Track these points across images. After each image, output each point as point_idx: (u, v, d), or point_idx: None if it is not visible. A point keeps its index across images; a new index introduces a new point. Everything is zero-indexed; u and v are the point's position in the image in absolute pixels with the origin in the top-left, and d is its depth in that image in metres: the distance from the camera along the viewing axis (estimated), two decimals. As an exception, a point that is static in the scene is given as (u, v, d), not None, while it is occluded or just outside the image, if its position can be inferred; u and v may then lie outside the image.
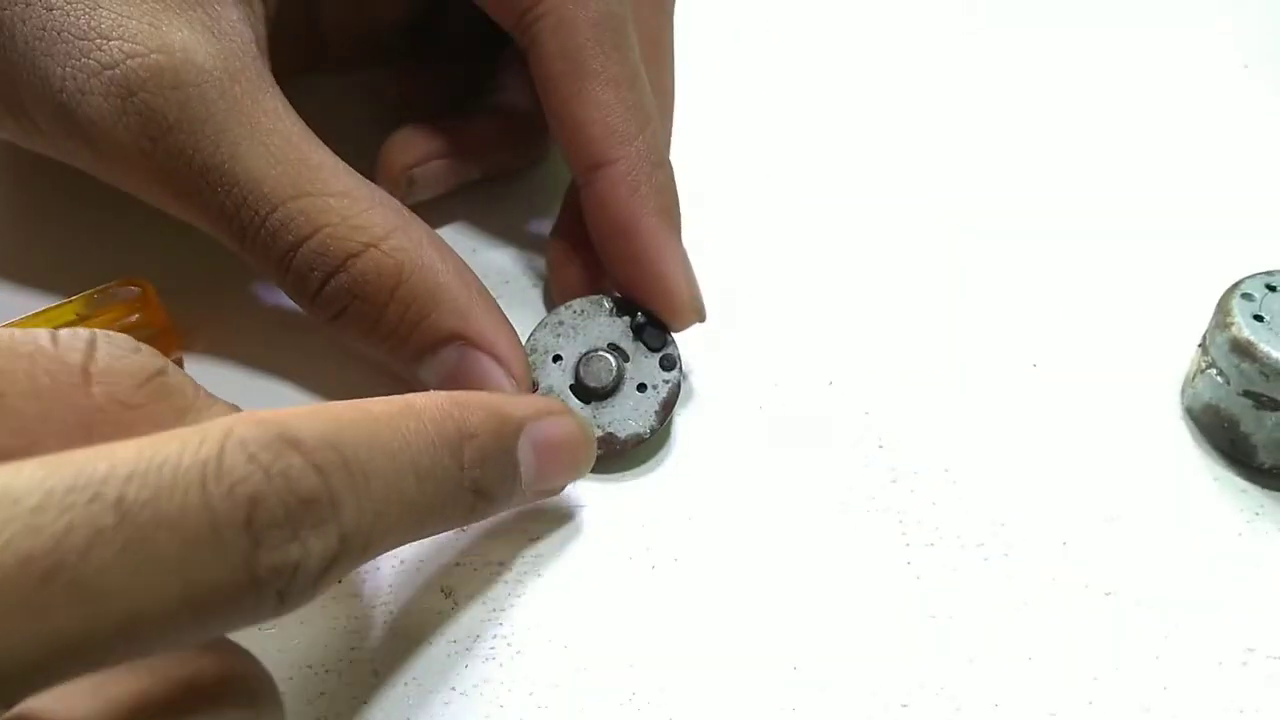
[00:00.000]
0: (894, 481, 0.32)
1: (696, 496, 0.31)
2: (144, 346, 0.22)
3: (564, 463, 0.28)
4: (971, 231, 0.37)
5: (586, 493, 0.31)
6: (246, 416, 0.19)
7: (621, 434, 0.31)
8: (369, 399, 0.22)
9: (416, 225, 0.29)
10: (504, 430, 0.25)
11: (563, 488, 0.29)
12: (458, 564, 0.30)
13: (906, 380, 0.34)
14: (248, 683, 0.21)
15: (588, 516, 0.31)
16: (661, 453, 0.32)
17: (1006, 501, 0.31)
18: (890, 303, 0.36)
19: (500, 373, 0.29)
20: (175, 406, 0.22)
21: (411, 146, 0.35)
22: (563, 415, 0.28)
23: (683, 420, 0.33)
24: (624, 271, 0.31)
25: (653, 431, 0.31)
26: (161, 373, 0.22)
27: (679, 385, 0.31)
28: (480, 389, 0.28)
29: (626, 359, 0.31)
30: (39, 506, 0.16)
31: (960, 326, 0.35)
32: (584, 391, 0.31)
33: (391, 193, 0.30)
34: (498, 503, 0.25)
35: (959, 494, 0.31)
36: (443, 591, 0.29)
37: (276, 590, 0.19)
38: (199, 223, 0.29)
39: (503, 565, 0.29)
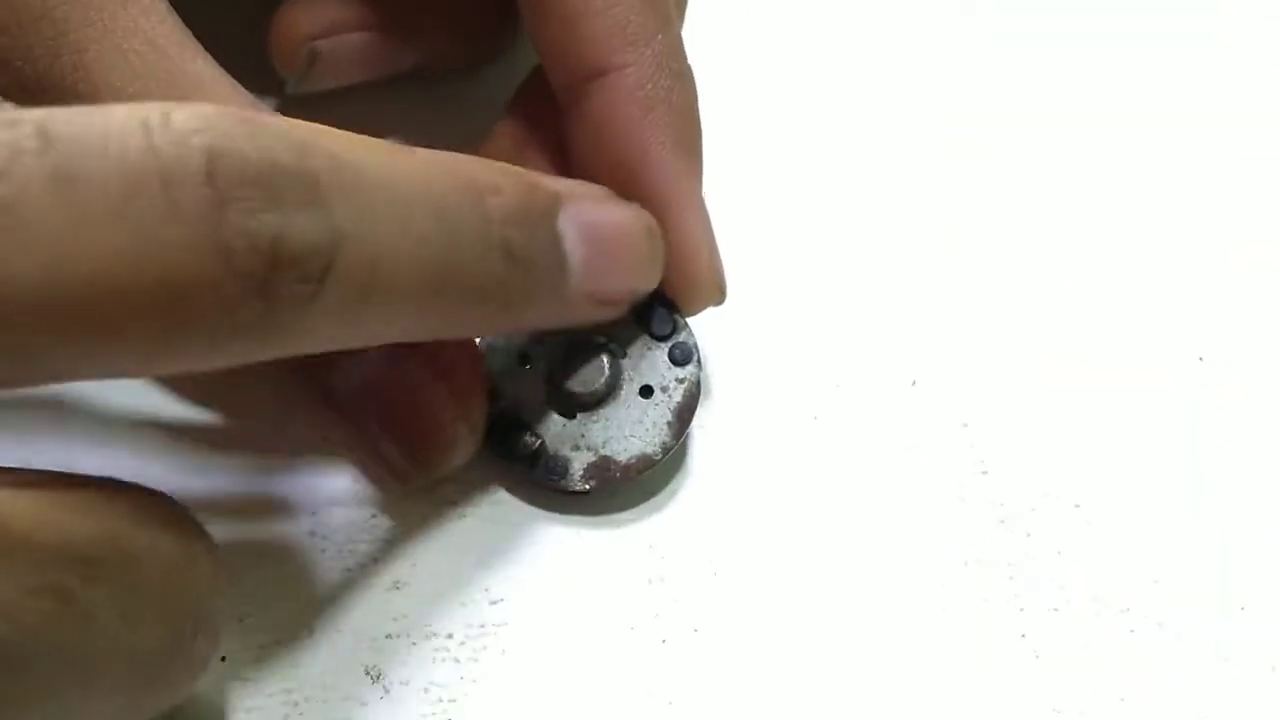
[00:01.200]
0: (1002, 522, 0.29)
1: (724, 544, 0.29)
2: None
3: (622, 259, 0.26)
4: (1113, 200, 0.36)
5: (569, 537, 0.28)
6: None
7: (621, 457, 0.28)
8: None
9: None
10: (535, 195, 0.24)
11: (625, 301, 0.27)
12: (388, 635, 0.27)
13: (1020, 381, 0.32)
14: (175, 512, 0.20)
15: (572, 568, 0.28)
16: (674, 482, 0.29)
17: (1161, 551, 0.29)
18: (996, 272, 0.34)
19: (449, 396, 0.27)
20: None
21: (318, 8, 0.32)
22: (612, 199, 0.27)
23: (704, 437, 0.30)
24: None
25: (665, 451, 0.28)
26: None
27: (698, 385, 0.28)
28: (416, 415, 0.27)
29: (623, 354, 0.28)
30: None
31: (1095, 306, 0.33)
32: (566, 401, 0.28)
33: (283, 72, 0.28)
34: (540, 284, 0.24)
35: (1095, 540, 0.29)
36: (368, 674, 0.26)
37: (259, 285, 0.18)
38: None
39: (450, 638, 0.27)
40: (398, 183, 0.21)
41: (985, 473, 0.30)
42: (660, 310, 0.28)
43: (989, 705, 0.26)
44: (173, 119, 0.18)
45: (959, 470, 0.30)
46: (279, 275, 0.18)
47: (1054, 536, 0.29)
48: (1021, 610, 0.28)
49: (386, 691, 0.26)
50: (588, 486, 0.28)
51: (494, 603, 0.27)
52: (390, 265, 0.20)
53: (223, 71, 0.26)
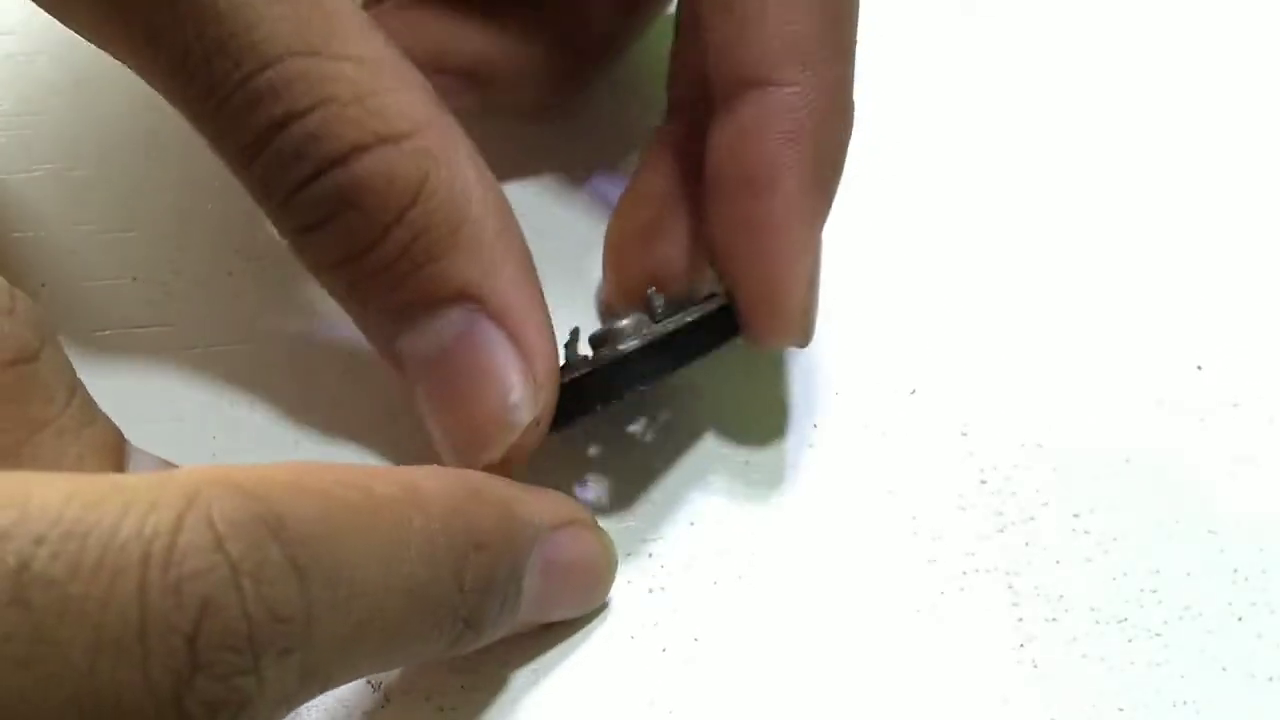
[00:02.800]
0: (1001, 531, 0.29)
1: (724, 551, 0.29)
2: (19, 304, 0.21)
3: (573, 591, 0.26)
4: (1114, 206, 0.35)
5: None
6: (218, 476, 0.18)
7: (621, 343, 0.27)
8: (365, 468, 0.22)
9: (455, 130, 0.26)
10: (516, 542, 0.24)
11: (555, 619, 0.27)
12: (390, 645, 0.26)
13: (1018, 387, 0.31)
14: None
15: None
16: (675, 491, 0.29)
17: (1161, 560, 0.29)
18: (996, 279, 0.34)
19: (515, 365, 0.26)
20: (30, 416, 0.21)
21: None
22: (586, 528, 0.26)
23: (704, 445, 0.30)
24: (731, 241, 0.27)
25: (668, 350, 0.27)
26: (30, 358, 0.21)
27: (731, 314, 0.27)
28: (481, 380, 0.26)
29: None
30: None
31: (1094, 315, 0.33)
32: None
33: None
34: (483, 639, 0.24)
35: (1094, 549, 0.29)
36: (369, 683, 0.26)
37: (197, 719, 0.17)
38: (148, 74, 0.26)
39: None
40: (386, 571, 0.20)
41: (984, 482, 0.30)
42: (722, 315, 0.27)
43: (987, 715, 0.26)
44: (176, 553, 0.17)
45: (958, 479, 0.30)
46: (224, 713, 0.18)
47: (1052, 546, 0.29)
48: (1020, 620, 0.27)
49: (387, 700, 0.26)
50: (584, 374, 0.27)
51: (494, 611, 0.27)
52: (347, 663, 0.20)
53: (360, 10, 0.26)
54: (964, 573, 0.28)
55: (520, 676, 0.27)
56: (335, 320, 0.29)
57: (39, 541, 0.16)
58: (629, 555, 0.28)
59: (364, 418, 0.29)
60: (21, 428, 0.21)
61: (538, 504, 0.25)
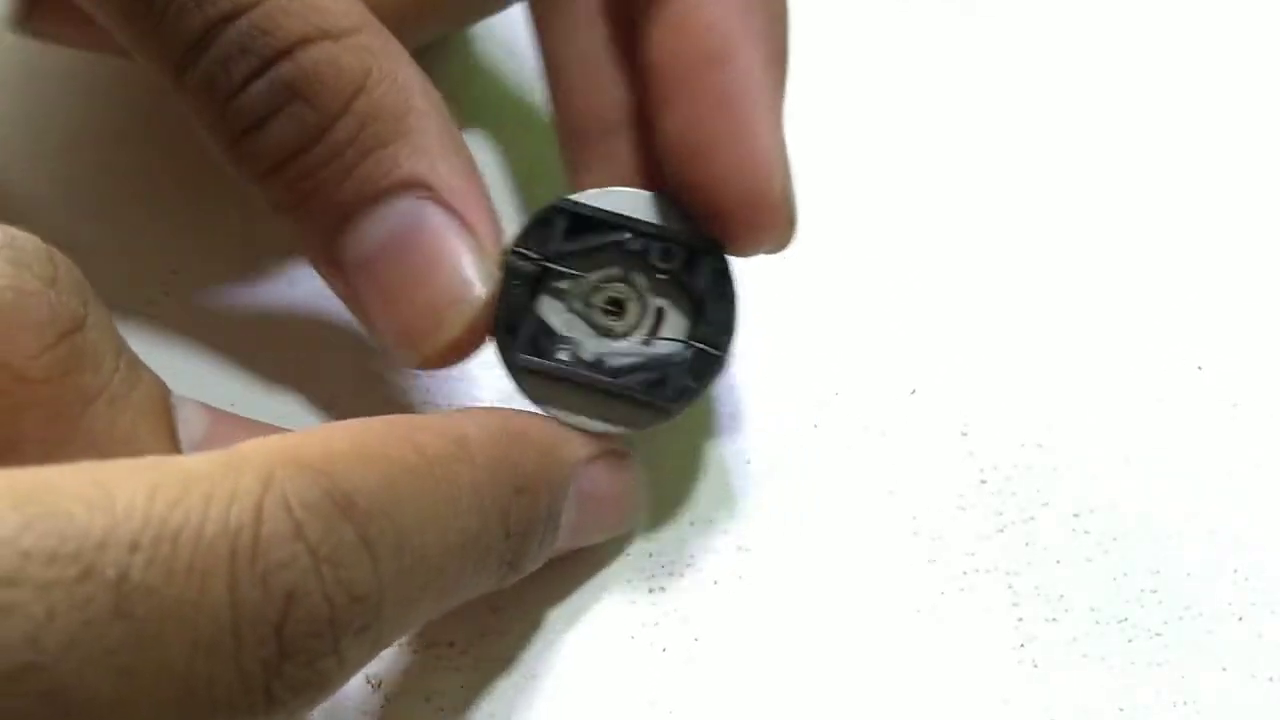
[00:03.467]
0: (1001, 531, 0.29)
1: (723, 551, 0.29)
2: (61, 270, 0.21)
3: (605, 521, 0.27)
4: (1114, 205, 0.35)
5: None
6: (287, 454, 0.19)
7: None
8: (413, 419, 0.23)
9: (390, 36, 0.27)
10: (555, 481, 0.25)
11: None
12: (389, 644, 0.26)
13: (1018, 387, 0.31)
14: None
15: (570, 576, 0.28)
16: (674, 490, 0.29)
17: (1162, 559, 0.28)
18: (996, 278, 0.33)
19: (466, 244, 0.26)
20: (82, 388, 0.21)
21: None
22: (618, 458, 0.27)
23: (704, 445, 0.30)
24: (694, 131, 0.26)
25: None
26: (77, 328, 0.21)
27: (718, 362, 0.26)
28: (434, 260, 0.26)
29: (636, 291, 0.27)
30: (10, 578, 0.15)
31: (1094, 315, 0.33)
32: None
33: None
34: (522, 574, 0.25)
35: (1094, 549, 0.29)
36: (369, 682, 0.26)
37: (283, 702, 0.18)
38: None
39: (451, 646, 0.27)
40: (443, 532, 0.21)
41: (984, 481, 0.30)
42: (705, 259, 0.26)
43: (987, 714, 0.26)
44: (260, 545, 0.18)
45: (958, 479, 0.30)
46: (301, 699, 0.18)
47: (1052, 546, 0.29)
48: (1020, 621, 0.27)
49: (388, 700, 0.26)
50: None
51: (494, 610, 0.27)
52: (406, 626, 0.21)
53: None
54: (964, 573, 0.28)
55: (519, 676, 0.27)
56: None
57: (134, 549, 0.16)
58: (628, 555, 0.28)
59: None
60: (76, 402, 0.21)
61: (573, 438, 0.26)
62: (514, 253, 0.26)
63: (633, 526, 0.28)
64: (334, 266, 0.27)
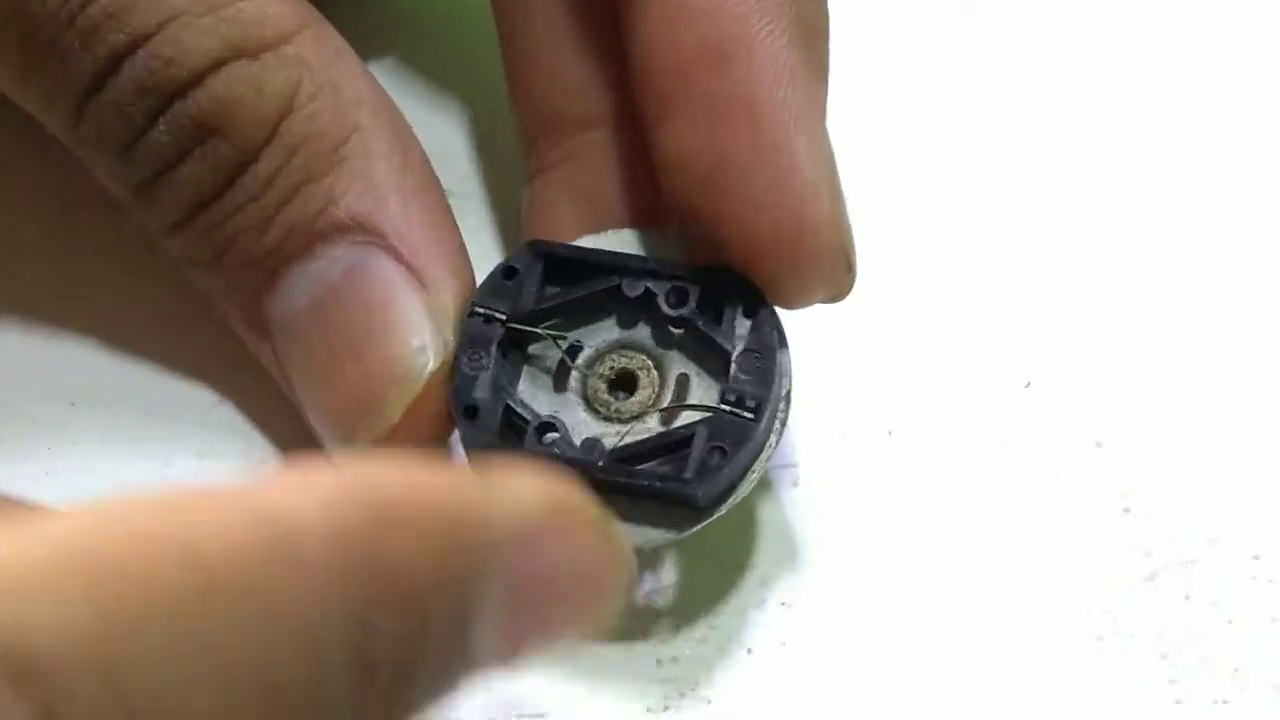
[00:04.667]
0: (1151, 579, 0.26)
1: (762, 607, 0.26)
2: None
3: (565, 616, 0.21)
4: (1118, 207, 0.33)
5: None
6: None
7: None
8: (200, 500, 0.17)
9: (333, 36, 0.25)
10: (463, 572, 0.19)
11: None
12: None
13: (1173, 386, 0.29)
14: None
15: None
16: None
17: None
18: (1133, 247, 0.31)
19: (417, 305, 0.24)
20: None
21: None
22: (574, 522, 0.21)
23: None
24: (696, 147, 0.24)
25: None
26: None
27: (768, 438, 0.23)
28: (377, 324, 0.24)
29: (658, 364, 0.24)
30: None
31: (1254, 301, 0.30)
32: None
33: None
34: (421, 713, 0.19)
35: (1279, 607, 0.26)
36: None
37: None
38: None
39: None
40: (226, 688, 0.16)
41: (1127, 510, 0.27)
42: (734, 307, 0.23)
43: None
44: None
45: (1092, 506, 0.27)
46: None
47: (1223, 600, 0.26)
48: (1178, 703, 0.25)
49: None
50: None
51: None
52: None
53: None
54: (1099, 637, 0.25)
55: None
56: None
57: None
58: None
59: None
60: None
61: (494, 497, 0.20)
62: (473, 313, 0.24)
63: (605, 623, 0.22)
64: (258, 330, 0.25)
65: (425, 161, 0.26)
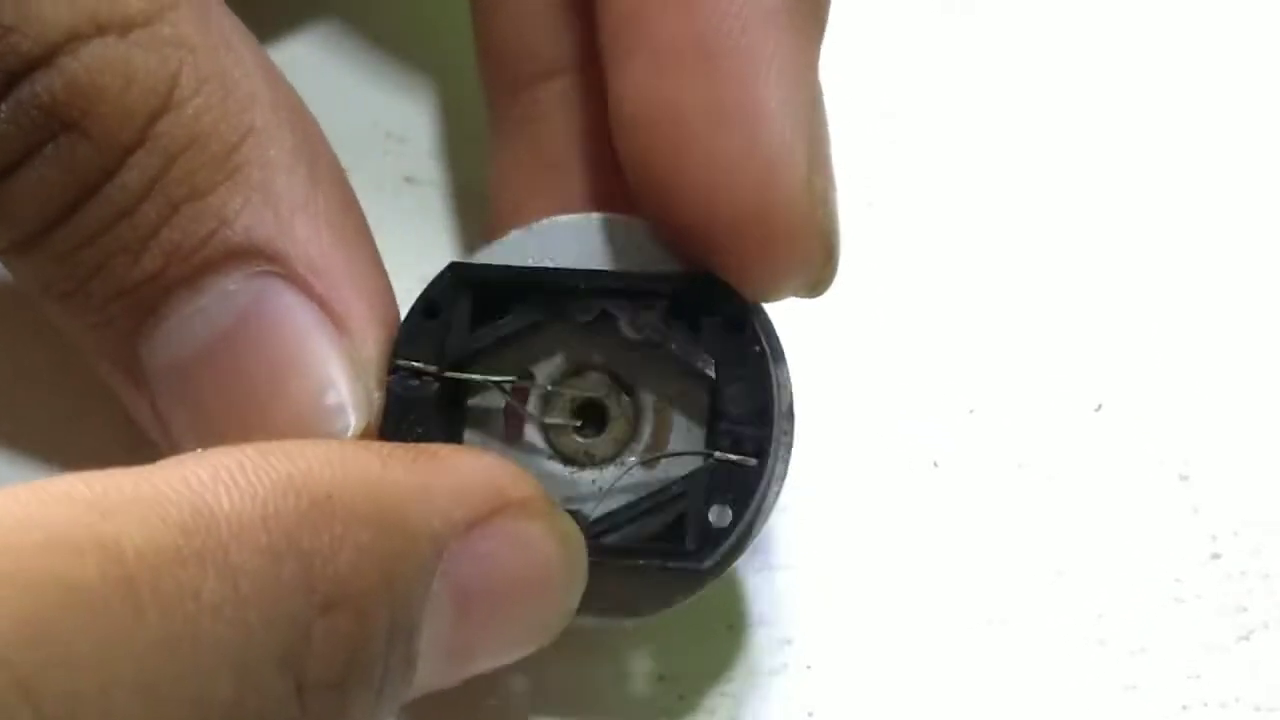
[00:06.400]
0: (1246, 639, 0.24)
1: (766, 648, 0.24)
2: None
3: (514, 623, 0.21)
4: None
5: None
6: None
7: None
8: (107, 495, 0.16)
9: (220, 8, 0.23)
10: (404, 574, 0.18)
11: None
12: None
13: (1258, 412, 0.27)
14: None
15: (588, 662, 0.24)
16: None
17: None
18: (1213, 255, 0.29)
19: (332, 349, 0.21)
20: None
21: None
22: (524, 514, 0.20)
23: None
24: (653, 100, 0.21)
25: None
26: None
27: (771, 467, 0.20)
28: (280, 375, 0.21)
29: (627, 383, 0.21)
30: None
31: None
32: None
33: None
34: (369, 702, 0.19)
35: None
36: None
37: None
38: None
39: None
40: (148, 712, 0.16)
41: (1217, 556, 0.25)
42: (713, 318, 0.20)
43: None
44: None
45: (1178, 549, 0.25)
46: None
47: None
48: None
49: None
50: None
51: None
52: None
53: None
54: (1184, 707, 0.23)
55: None
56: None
57: None
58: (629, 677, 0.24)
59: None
60: None
61: (437, 485, 0.19)
62: (395, 368, 0.21)
63: (559, 627, 0.21)
64: (132, 378, 0.22)
65: (339, 173, 0.22)
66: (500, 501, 0.20)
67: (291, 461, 0.18)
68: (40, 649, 0.15)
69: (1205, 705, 0.23)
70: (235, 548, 0.16)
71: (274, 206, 0.21)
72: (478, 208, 0.27)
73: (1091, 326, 0.29)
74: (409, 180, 0.28)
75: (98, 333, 0.22)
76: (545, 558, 0.21)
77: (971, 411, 0.27)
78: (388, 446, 0.20)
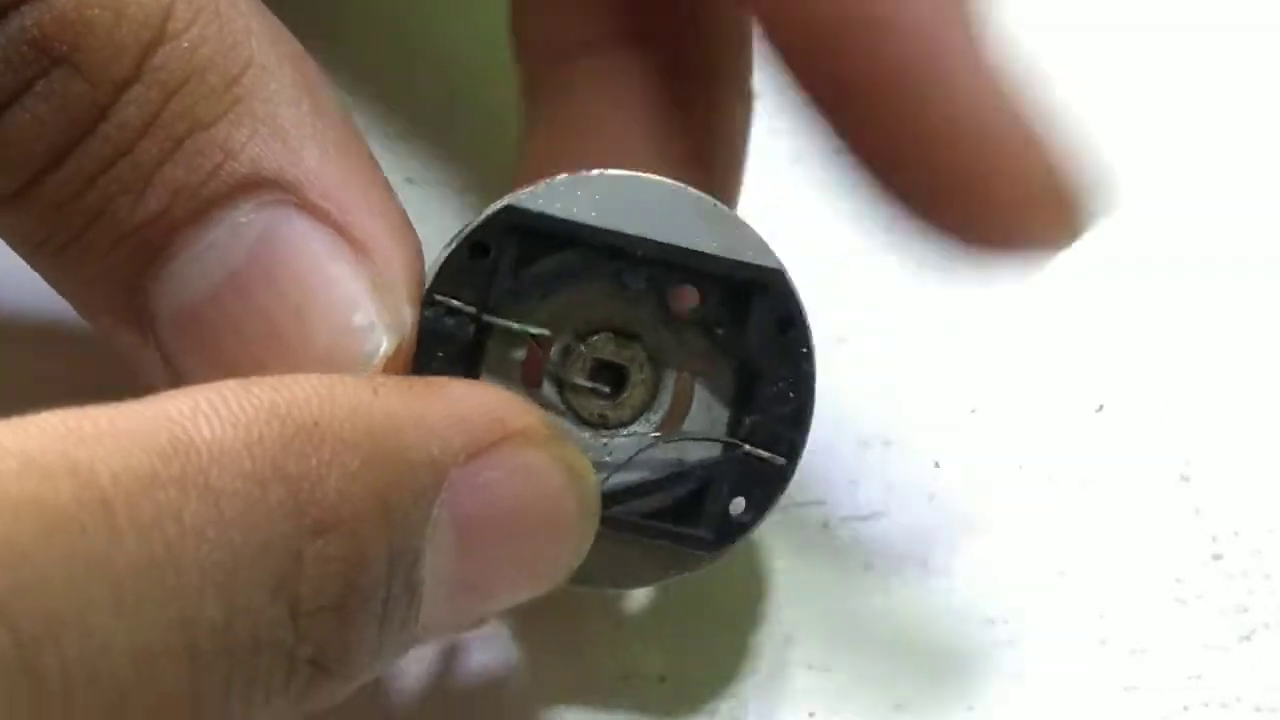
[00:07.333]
0: (1247, 639, 0.24)
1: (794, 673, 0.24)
2: None
3: (523, 558, 0.20)
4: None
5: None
6: None
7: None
8: (78, 423, 0.16)
9: None
10: (401, 499, 0.18)
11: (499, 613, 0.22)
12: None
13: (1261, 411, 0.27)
14: None
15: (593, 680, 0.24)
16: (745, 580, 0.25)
17: None
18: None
19: (354, 271, 0.20)
20: None
21: None
22: (528, 441, 0.20)
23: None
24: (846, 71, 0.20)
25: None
26: None
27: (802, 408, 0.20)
28: (303, 301, 0.20)
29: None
30: None
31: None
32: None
33: None
34: (357, 677, 0.19)
35: None
36: None
37: None
38: None
39: None
40: (131, 637, 0.16)
41: (1218, 556, 0.25)
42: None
43: None
44: None
45: (1179, 550, 0.25)
46: None
47: None
48: None
49: None
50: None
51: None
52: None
53: None
54: (1185, 708, 0.23)
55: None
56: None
57: None
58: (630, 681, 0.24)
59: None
60: None
61: (435, 413, 0.19)
62: (432, 301, 0.21)
63: (570, 567, 0.21)
64: (136, 327, 0.21)
65: (342, 110, 0.22)
66: (502, 430, 0.20)
67: (276, 392, 0.18)
68: (13, 571, 0.15)
69: (1206, 705, 0.23)
70: (216, 472, 0.16)
71: (281, 137, 0.21)
72: (478, 208, 0.27)
73: (1093, 327, 0.28)
74: (409, 181, 0.27)
75: (99, 285, 0.21)
76: (552, 488, 0.20)
77: (973, 411, 0.27)
78: (381, 377, 0.20)
